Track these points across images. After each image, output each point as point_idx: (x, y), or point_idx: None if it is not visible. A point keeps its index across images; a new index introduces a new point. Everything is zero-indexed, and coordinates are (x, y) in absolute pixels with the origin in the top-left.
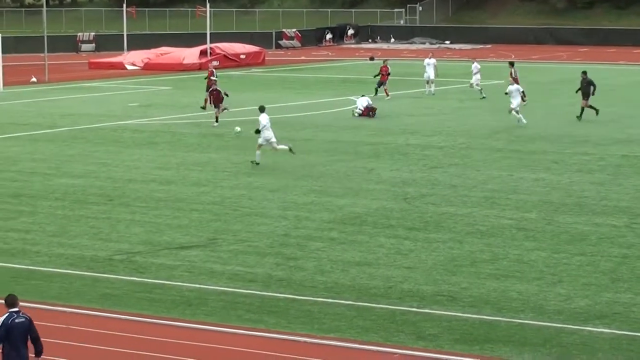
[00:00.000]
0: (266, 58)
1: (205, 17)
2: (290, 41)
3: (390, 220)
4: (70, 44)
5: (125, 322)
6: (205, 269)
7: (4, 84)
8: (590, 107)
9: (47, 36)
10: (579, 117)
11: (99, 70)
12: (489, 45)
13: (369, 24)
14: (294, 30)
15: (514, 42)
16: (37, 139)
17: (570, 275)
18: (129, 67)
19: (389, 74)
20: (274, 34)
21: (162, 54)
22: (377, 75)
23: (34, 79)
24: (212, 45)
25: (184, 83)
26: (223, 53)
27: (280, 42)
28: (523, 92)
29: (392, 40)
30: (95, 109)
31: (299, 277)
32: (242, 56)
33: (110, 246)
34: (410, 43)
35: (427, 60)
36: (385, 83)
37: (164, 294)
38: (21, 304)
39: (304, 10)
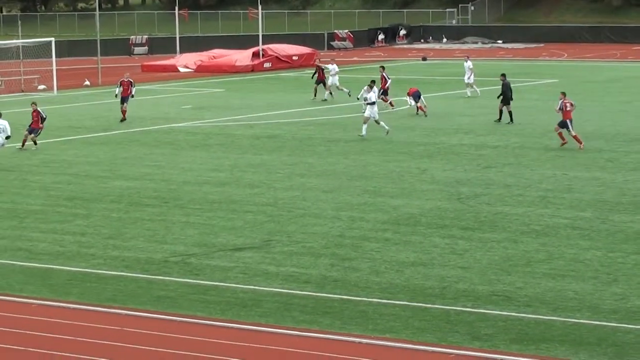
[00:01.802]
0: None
1: (257, 19)
2: (342, 42)
3: (444, 220)
4: (123, 47)
5: (179, 324)
6: (259, 271)
7: (58, 88)
8: (509, 112)
9: (100, 39)
10: (498, 120)
11: (151, 73)
12: (542, 44)
13: (421, 24)
14: (346, 31)
15: (566, 41)
16: (92, 142)
17: (626, 274)
18: (182, 70)
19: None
20: (326, 35)
21: (214, 57)
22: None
23: (87, 82)
24: (265, 47)
25: (237, 85)
26: (275, 55)
27: (332, 43)
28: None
29: (444, 40)
30: (149, 111)
31: (353, 278)
32: (295, 58)
33: (165, 248)
34: (463, 43)
35: (465, 64)
36: (386, 92)
37: (218, 296)
38: (76, 306)
39: (356, 11)
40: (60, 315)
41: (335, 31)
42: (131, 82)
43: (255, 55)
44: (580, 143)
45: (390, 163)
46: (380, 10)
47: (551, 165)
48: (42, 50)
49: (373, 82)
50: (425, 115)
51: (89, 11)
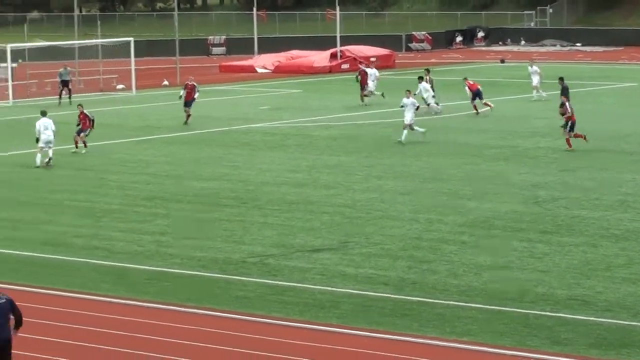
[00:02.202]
0: (396, 61)
1: (335, 20)
2: (420, 44)
3: (521, 224)
4: (201, 47)
5: (257, 325)
6: (337, 272)
7: (137, 87)
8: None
9: (179, 39)
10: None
11: (229, 73)
12: (621, 47)
13: (499, 26)
14: (424, 33)
15: None
16: (170, 142)
17: None
18: (260, 70)
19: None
20: (404, 36)
21: (292, 57)
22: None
23: (165, 82)
24: (342, 48)
25: (315, 86)
26: (353, 56)
27: (410, 44)
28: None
29: (522, 42)
30: (227, 112)
31: (431, 280)
32: (373, 59)
33: (243, 249)
34: (541, 45)
35: (530, 69)
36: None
37: (296, 297)
38: (153, 305)
39: (434, 12)
40: (137, 314)
41: (413, 33)
42: (195, 85)
43: (333, 56)
44: (583, 136)
45: (466, 165)
46: (459, 12)
47: (630, 169)
48: (121, 50)
49: (409, 91)
50: (477, 114)
51: (168, 11)
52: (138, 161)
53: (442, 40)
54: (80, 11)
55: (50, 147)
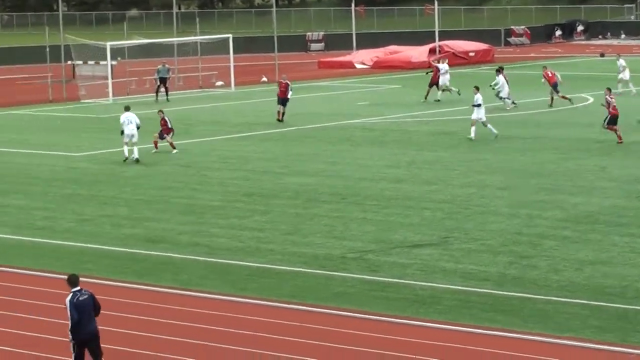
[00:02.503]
0: (495, 55)
1: (434, 15)
2: (519, 38)
3: (624, 219)
4: (300, 44)
5: (357, 321)
6: (437, 268)
7: (235, 84)
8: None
9: (277, 36)
10: None
11: (328, 69)
12: None
13: (599, 19)
14: (523, 27)
15: None
16: (269, 138)
17: None
18: (358, 66)
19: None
20: (502, 31)
21: (390, 53)
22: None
23: (264, 79)
24: (441, 43)
25: (413, 81)
26: (452, 51)
27: (509, 39)
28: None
29: (623, 36)
30: (325, 108)
31: (532, 276)
32: (471, 54)
33: (343, 244)
34: None
35: (618, 62)
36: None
37: (396, 293)
38: (255, 301)
39: (533, 7)
40: (239, 310)
41: (512, 27)
42: (288, 84)
43: (432, 51)
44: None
45: (567, 161)
46: (558, 6)
47: None
48: (219, 47)
49: (477, 87)
50: (550, 106)
51: (266, 8)
52: (238, 158)
53: (542, 35)
54: (179, 8)
55: (133, 142)
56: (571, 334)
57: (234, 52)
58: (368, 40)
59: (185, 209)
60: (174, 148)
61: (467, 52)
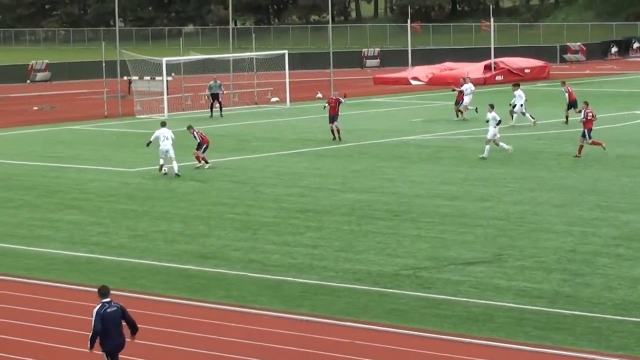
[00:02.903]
0: (550, 72)
1: (490, 31)
2: (575, 55)
3: None
4: (355, 60)
5: (411, 338)
6: (491, 285)
7: (291, 100)
8: None
9: (332, 52)
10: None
11: (383, 85)
12: None
13: None
14: (579, 43)
15: None
16: (323, 155)
17: None
18: (414, 83)
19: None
20: (558, 48)
21: (446, 69)
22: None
23: (319, 95)
24: (496, 59)
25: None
26: (507, 68)
27: (564, 56)
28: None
29: None
30: (380, 124)
31: (586, 294)
32: (527, 70)
33: (396, 261)
34: None
35: None
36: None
37: (449, 310)
38: (309, 318)
39: (589, 24)
40: (293, 327)
41: (567, 44)
42: (339, 99)
43: (487, 68)
44: (601, 144)
45: (622, 178)
46: (614, 23)
47: None
48: (275, 63)
49: (492, 105)
50: (566, 123)
51: (322, 24)
52: (292, 174)
53: (597, 51)
54: (235, 24)
55: (169, 156)
56: (625, 353)
57: (289, 68)
58: (423, 57)
59: (240, 225)
60: (207, 162)
61: (522, 69)
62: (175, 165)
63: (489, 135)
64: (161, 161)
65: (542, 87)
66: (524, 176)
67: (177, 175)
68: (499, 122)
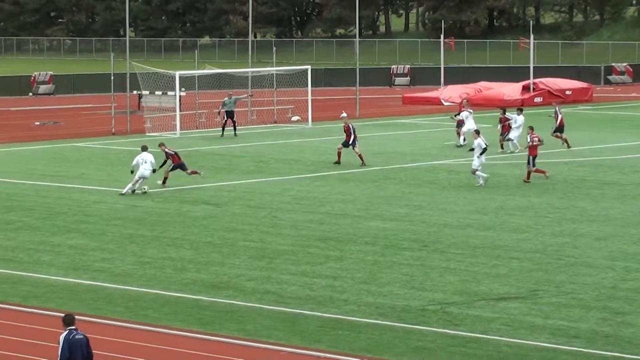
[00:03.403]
0: (594, 94)
1: (529, 49)
2: (621, 76)
3: None
4: (384, 77)
5: None
6: (525, 323)
7: (313, 119)
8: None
9: (360, 68)
10: None
11: (413, 105)
12: None
13: None
14: (625, 64)
15: None
16: (347, 179)
17: None
18: (446, 104)
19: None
20: (602, 68)
21: (481, 89)
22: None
23: (344, 114)
24: (536, 80)
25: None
26: (547, 88)
27: (609, 77)
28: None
29: None
30: (409, 147)
31: (627, 334)
32: (568, 92)
33: (423, 295)
34: None
35: None
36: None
37: (479, 349)
38: (328, 355)
39: (636, 43)
40: None
41: (612, 64)
42: (350, 127)
43: (526, 88)
44: (544, 172)
45: None
46: None
47: None
48: (297, 79)
49: (477, 131)
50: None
51: (348, 38)
52: (312, 199)
53: None
54: (255, 37)
55: (143, 182)
56: None
57: (312, 85)
58: (457, 75)
59: (254, 254)
60: (164, 183)
61: (563, 91)
62: (144, 186)
63: (475, 165)
64: (127, 187)
65: (584, 111)
66: (565, 206)
67: (145, 192)
68: (484, 150)
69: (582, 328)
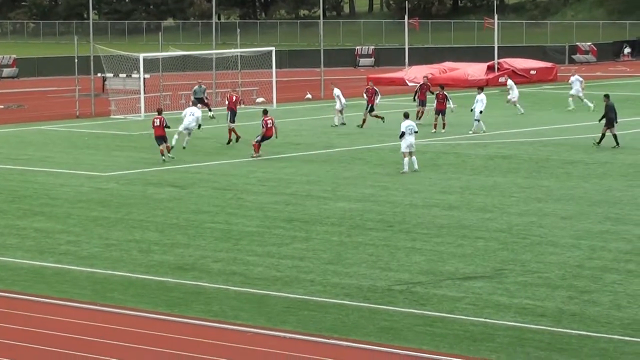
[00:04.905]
0: (558, 74)
1: (493, 29)
2: (585, 55)
3: None
4: (348, 58)
5: (404, 357)
6: (491, 302)
7: (278, 101)
8: (614, 135)
9: (324, 49)
10: (598, 143)
11: (378, 86)
12: None
13: None
14: (589, 43)
15: None
16: (312, 160)
17: None
18: (410, 84)
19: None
20: (567, 47)
21: (445, 70)
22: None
23: (308, 96)
24: (500, 60)
25: (469, 100)
26: (512, 68)
27: (573, 56)
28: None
29: None
30: (374, 127)
31: (592, 312)
32: (532, 72)
33: (389, 275)
34: None
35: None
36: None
37: (445, 328)
38: (294, 335)
39: (600, 22)
40: (277, 346)
41: (577, 44)
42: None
43: (490, 68)
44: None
45: (635, 188)
46: (627, 22)
47: None
48: (261, 61)
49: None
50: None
51: (312, 19)
52: (278, 180)
53: (609, 52)
54: (219, 19)
55: (189, 131)
56: None
57: (277, 67)
58: (421, 56)
59: (220, 235)
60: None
61: (528, 70)
62: (186, 139)
63: (404, 147)
64: (174, 139)
65: (548, 90)
66: (530, 185)
67: (184, 147)
68: (403, 134)
69: (548, 307)
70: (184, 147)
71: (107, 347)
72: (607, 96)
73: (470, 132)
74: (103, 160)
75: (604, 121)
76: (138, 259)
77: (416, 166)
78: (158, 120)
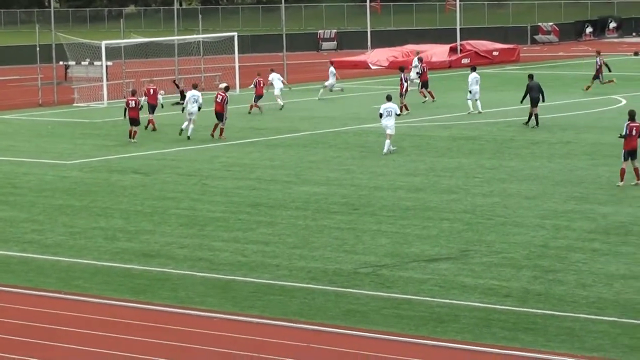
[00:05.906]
0: (521, 54)
1: (455, 11)
2: (547, 36)
3: None
4: (311, 42)
5: (370, 340)
6: (456, 283)
7: (240, 86)
8: (535, 115)
9: (286, 34)
10: (526, 123)
11: (340, 69)
12: None
13: (633, 16)
14: (551, 24)
15: None
16: (276, 145)
17: None
18: (373, 67)
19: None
20: (529, 28)
21: (408, 53)
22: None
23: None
24: (463, 41)
25: (432, 83)
26: (474, 50)
27: (535, 37)
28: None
29: None
30: (338, 111)
31: (558, 292)
32: (495, 53)
33: (355, 259)
34: None
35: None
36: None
37: (412, 310)
38: (260, 320)
39: (562, 2)
40: (243, 330)
41: (539, 24)
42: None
43: (453, 50)
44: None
45: (599, 167)
46: (589, 1)
47: None
48: (223, 46)
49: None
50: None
51: (274, 4)
52: (242, 165)
53: (571, 32)
54: (181, 5)
55: (192, 119)
56: (600, 354)
57: (239, 52)
58: (384, 39)
59: (186, 221)
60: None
61: (490, 51)
62: (190, 127)
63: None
64: (185, 124)
65: (511, 71)
66: (495, 166)
67: (188, 137)
68: (397, 115)
69: (514, 287)
70: (188, 138)
71: (72, 335)
72: (530, 76)
73: (477, 112)
74: (67, 149)
75: (525, 101)
76: (103, 246)
77: (386, 149)
78: (133, 102)
